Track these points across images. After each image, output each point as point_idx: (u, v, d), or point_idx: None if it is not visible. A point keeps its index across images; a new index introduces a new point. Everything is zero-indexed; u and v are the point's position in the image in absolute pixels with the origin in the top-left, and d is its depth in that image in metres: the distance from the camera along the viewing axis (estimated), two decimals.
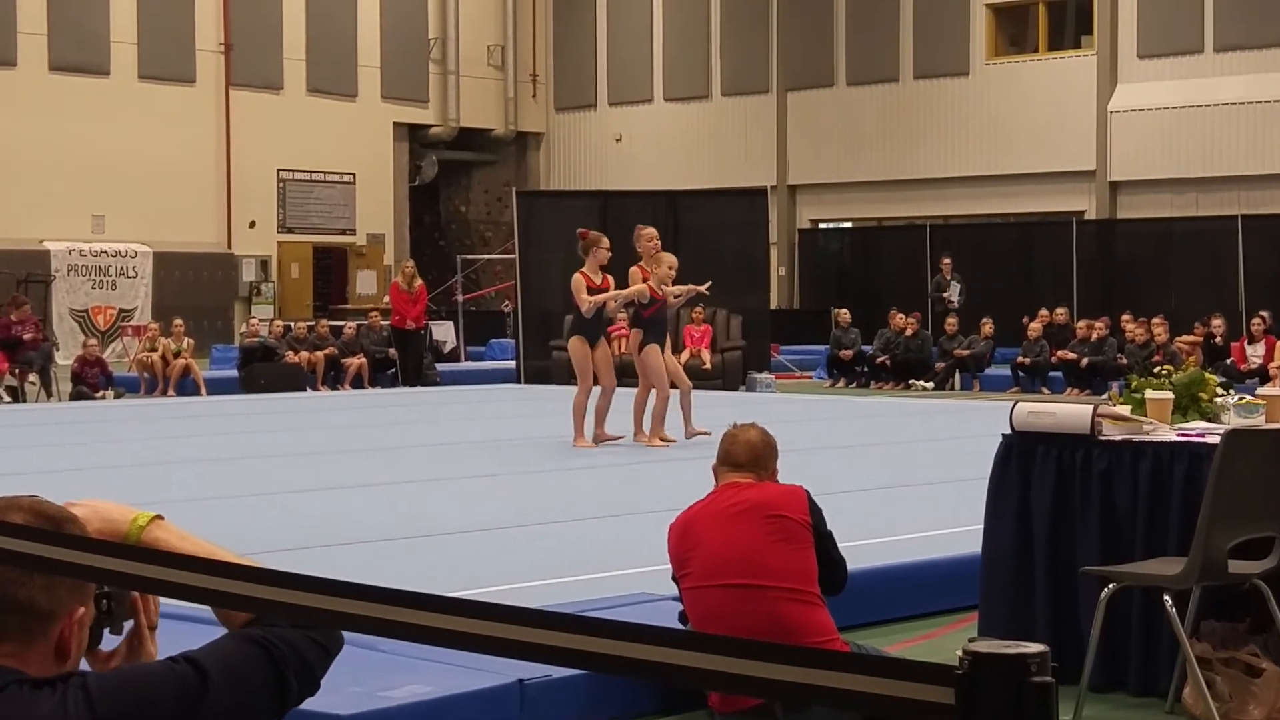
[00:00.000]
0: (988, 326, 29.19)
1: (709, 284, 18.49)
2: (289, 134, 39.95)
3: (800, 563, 6.46)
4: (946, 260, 32.02)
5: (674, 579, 6.77)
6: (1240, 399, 7.63)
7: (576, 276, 16.87)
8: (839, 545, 6.78)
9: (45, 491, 2.75)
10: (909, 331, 29.15)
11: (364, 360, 28.21)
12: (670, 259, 17.08)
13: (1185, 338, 27.11)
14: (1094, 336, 27.53)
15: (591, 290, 16.70)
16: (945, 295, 31.37)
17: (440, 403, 24.29)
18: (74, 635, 2.56)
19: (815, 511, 6.61)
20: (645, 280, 16.76)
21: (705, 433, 15.68)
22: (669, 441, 16.63)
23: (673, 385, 16.95)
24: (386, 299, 31.43)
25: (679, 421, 16.92)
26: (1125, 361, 25.73)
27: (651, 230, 17.43)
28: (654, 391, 16.79)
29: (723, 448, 6.78)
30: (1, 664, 2.49)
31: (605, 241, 17.04)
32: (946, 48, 38.19)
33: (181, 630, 6.81)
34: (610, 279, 17.06)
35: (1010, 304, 31.82)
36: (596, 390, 16.87)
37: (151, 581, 2.22)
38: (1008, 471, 7.32)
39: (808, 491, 6.68)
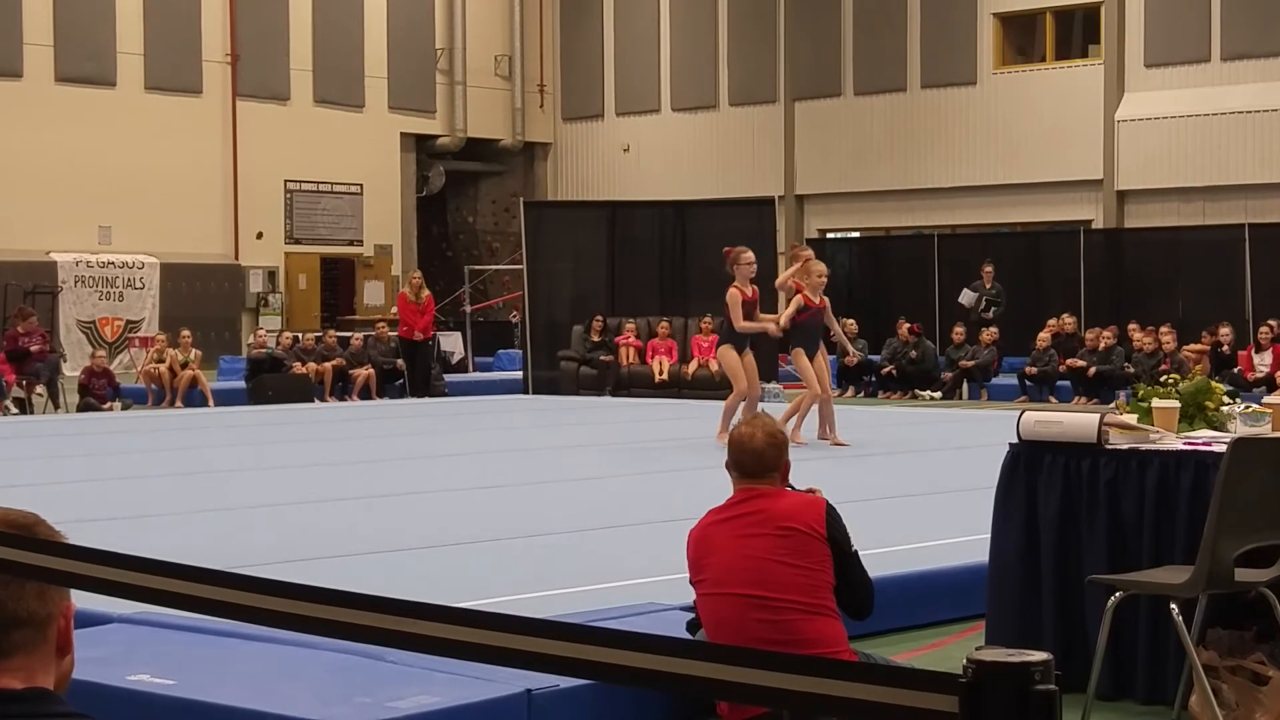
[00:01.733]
0: (987, 335, 29.15)
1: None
2: (296, 145, 39.97)
3: (811, 575, 6.45)
4: (988, 268, 31.79)
5: (691, 584, 6.78)
6: (1247, 407, 7.64)
7: (731, 291, 17.77)
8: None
9: (52, 503, 2.77)
10: (908, 341, 29.19)
11: (372, 371, 28.22)
12: (820, 267, 18.53)
13: (1192, 346, 27.09)
14: (1102, 345, 27.49)
15: (745, 303, 17.72)
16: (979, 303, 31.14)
17: (448, 414, 24.30)
18: (69, 629, 2.61)
19: (834, 524, 6.53)
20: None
21: (843, 443, 17.43)
22: (840, 443, 17.72)
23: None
24: (394, 310, 31.45)
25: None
26: (1132, 370, 25.71)
27: (750, 254, 18.32)
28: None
29: (731, 452, 6.76)
30: (34, 686, 2.54)
31: (748, 254, 18.04)
32: (954, 57, 38.19)
33: (162, 636, 6.83)
34: (757, 289, 18.11)
35: (1018, 313, 31.77)
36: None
37: (136, 589, 2.23)
38: (1015, 480, 7.33)
39: (828, 504, 6.64)
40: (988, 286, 31.28)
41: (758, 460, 6.66)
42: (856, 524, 6.88)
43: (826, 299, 18.40)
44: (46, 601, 2.56)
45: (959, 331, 29.48)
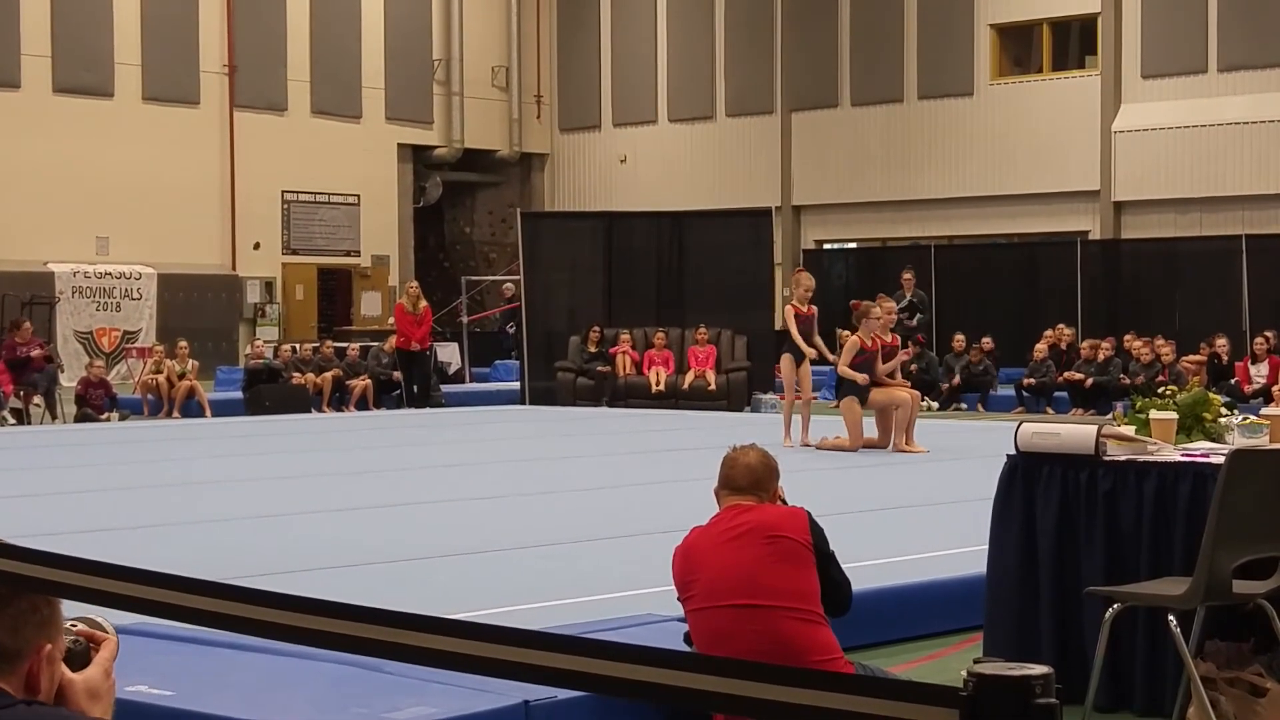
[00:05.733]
0: (976, 351, 29.07)
1: None
2: (293, 155, 39.98)
3: (802, 582, 6.46)
4: (908, 275, 30.78)
5: (679, 601, 6.77)
6: (1244, 419, 7.64)
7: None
8: (843, 565, 6.76)
9: (48, 514, 2.76)
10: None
11: (369, 382, 28.21)
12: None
13: (1190, 358, 27.07)
14: (1099, 357, 27.50)
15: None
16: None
17: (445, 424, 24.29)
18: (43, 670, 2.55)
19: (817, 532, 6.60)
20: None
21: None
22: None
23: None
24: (391, 320, 31.42)
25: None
26: (1129, 381, 25.71)
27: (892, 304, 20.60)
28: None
29: (723, 471, 6.76)
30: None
31: (876, 310, 19.43)
32: (951, 68, 38.21)
33: (159, 647, 6.81)
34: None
35: (1015, 324, 31.77)
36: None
37: (134, 600, 2.22)
38: (1012, 492, 7.32)
39: (809, 513, 6.67)
40: (908, 295, 30.39)
41: (750, 476, 6.67)
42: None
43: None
44: (17, 637, 2.50)
45: (959, 339, 29.41)
